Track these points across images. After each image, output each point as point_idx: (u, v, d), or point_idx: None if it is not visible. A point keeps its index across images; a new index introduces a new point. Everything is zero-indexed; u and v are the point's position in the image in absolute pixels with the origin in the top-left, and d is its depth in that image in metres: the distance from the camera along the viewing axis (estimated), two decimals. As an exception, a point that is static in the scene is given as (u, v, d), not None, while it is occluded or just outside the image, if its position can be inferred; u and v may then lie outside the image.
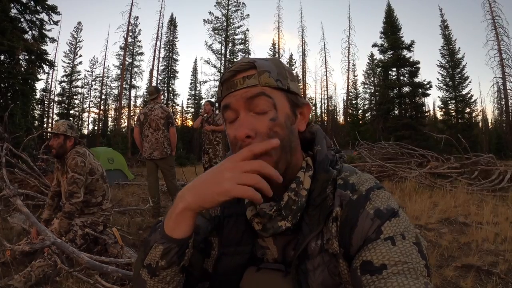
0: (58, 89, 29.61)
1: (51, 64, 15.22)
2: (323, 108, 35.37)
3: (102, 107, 31.52)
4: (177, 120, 30.03)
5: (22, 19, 13.51)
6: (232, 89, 0.63)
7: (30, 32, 13.96)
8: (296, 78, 0.71)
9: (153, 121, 4.31)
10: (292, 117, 0.66)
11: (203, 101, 28.54)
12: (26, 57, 13.46)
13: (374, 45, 24.57)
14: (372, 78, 30.80)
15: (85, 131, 30.83)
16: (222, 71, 28.20)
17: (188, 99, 33.34)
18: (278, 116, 0.62)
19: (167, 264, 0.58)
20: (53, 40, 15.33)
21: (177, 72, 31.29)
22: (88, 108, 31.51)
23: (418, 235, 0.57)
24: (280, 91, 0.64)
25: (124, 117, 29.52)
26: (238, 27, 28.61)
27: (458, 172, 7.27)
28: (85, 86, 30.78)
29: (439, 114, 27.70)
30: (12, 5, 12.82)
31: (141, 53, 30.10)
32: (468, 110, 23.12)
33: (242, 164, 0.54)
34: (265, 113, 0.61)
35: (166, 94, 29.52)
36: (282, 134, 0.62)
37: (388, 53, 23.62)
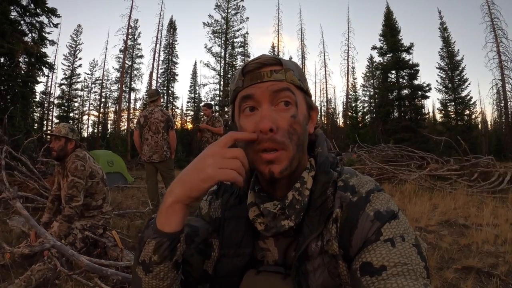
0: (58, 92, 29.58)
1: (51, 67, 15.27)
2: (322, 110, 35.34)
3: (101, 110, 31.49)
4: (176, 123, 29.99)
5: (22, 22, 13.57)
6: (258, 80, 0.63)
7: (30, 35, 14.03)
8: None
9: (153, 124, 4.31)
10: (307, 118, 0.68)
11: (202, 104, 28.60)
12: (26, 59, 13.52)
13: (374, 47, 24.60)
14: (372, 81, 30.83)
15: (85, 134, 30.74)
16: (221, 74, 28.18)
17: (187, 102, 33.27)
18: (298, 114, 0.64)
19: (160, 259, 0.58)
20: (53, 42, 15.39)
21: (177, 75, 31.25)
22: (87, 111, 31.48)
23: (417, 237, 0.58)
24: (301, 91, 0.67)
25: (123, 120, 29.47)
26: (238, 30, 28.56)
27: (457, 174, 7.28)
28: (84, 89, 30.71)
29: (438, 116, 27.70)
30: (12, 7, 12.87)
31: (141, 56, 30.09)
32: (467, 112, 23.08)
33: (223, 151, 0.56)
34: (288, 109, 0.63)
35: (165, 97, 29.47)
36: (299, 132, 0.63)
37: (388, 55, 23.62)
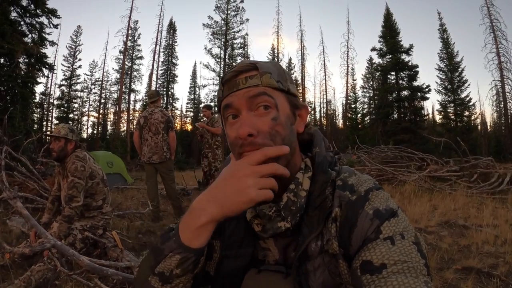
0: (58, 93, 29.59)
1: (51, 68, 15.29)
2: (322, 112, 35.41)
3: (101, 111, 31.50)
4: (176, 124, 29.90)
5: (22, 22, 13.59)
6: (234, 88, 0.64)
7: (30, 35, 14.06)
8: (295, 81, 0.72)
9: (153, 125, 4.31)
10: (292, 118, 0.67)
11: (202, 105, 28.56)
12: (26, 60, 13.54)
13: (373, 49, 24.65)
14: (371, 82, 30.84)
15: (85, 135, 30.75)
16: (221, 75, 28.13)
17: (187, 103, 33.32)
18: (280, 116, 0.63)
19: (182, 272, 0.58)
20: (52, 43, 15.43)
21: (177, 76, 31.30)
22: (87, 112, 31.50)
23: (417, 234, 0.58)
24: (281, 92, 0.66)
25: (123, 121, 29.47)
26: (238, 32, 28.62)
27: (457, 175, 7.27)
28: (84, 90, 30.74)
29: (438, 118, 27.63)
30: (12, 8, 12.89)
31: (141, 57, 30.11)
32: (467, 113, 23.09)
33: (260, 169, 0.56)
34: (268, 112, 0.62)
35: (165, 98, 29.47)
36: (283, 134, 0.63)
37: (387, 57, 23.65)
